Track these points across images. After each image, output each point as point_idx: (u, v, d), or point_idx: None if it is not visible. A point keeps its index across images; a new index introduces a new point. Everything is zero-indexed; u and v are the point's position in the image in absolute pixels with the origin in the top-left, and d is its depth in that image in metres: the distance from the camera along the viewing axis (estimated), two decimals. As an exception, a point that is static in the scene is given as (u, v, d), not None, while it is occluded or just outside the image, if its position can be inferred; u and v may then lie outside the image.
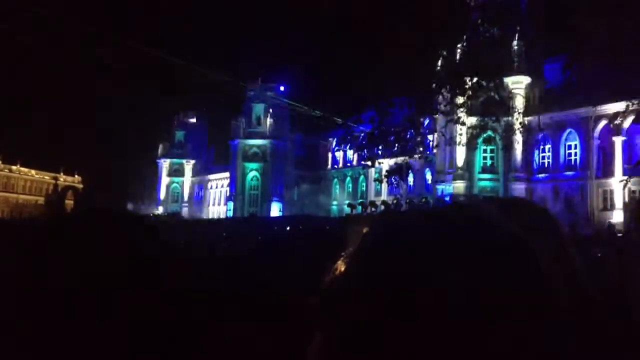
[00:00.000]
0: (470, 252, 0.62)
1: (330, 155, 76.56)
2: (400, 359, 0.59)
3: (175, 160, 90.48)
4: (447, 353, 0.59)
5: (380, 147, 43.90)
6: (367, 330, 0.61)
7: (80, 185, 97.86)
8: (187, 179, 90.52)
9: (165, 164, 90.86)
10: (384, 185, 56.13)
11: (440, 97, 33.63)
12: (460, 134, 39.42)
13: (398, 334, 0.60)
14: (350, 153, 71.69)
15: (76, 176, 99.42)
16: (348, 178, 72.53)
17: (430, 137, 53.75)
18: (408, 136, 39.75)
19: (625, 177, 37.61)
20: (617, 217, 43.08)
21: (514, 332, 0.59)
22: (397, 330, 0.60)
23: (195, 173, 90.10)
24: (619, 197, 44.97)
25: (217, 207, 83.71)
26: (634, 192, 43.39)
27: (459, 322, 0.59)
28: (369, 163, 50.80)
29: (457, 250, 0.62)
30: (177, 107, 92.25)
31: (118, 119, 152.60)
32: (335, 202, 71.34)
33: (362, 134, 49.18)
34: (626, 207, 42.26)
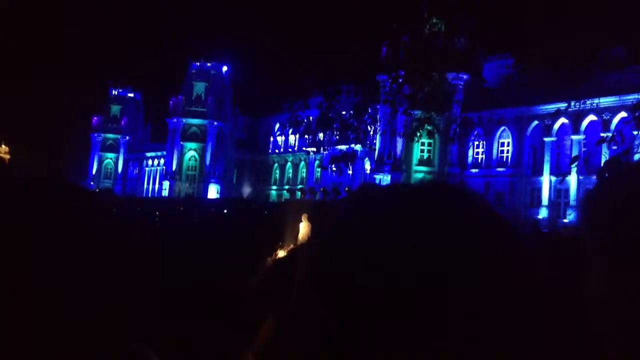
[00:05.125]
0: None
1: (271, 139, 76.16)
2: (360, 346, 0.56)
3: (109, 135, 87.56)
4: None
5: (327, 134, 44.02)
6: (326, 319, 0.57)
7: (7, 156, 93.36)
8: (122, 156, 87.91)
9: (98, 138, 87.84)
10: (325, 172, 56.52)
11: (387, 87, 34.09)
12: (406, 125, 40.15)
13: (359, 323, 0.56)
14: (292, 138, 71.55)
15: (3, 146, 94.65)
16: (289, 163, 72.42)
17: (370, 127, 54.48)
18: (354, 124, 40.18)
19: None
20: (542, 213, 45.15)
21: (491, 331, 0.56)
22: (358, 320, 0.56)
23: (130, 150, 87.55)
24: (546, 195, 47.10)
25: (153, 185, 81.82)
26: (559, 190, 45.60)
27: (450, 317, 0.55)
28: (314, 149, 50.88)
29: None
30: (114, 79, 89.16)
31: (50, 90, 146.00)
32: (274, 187, 71.18)
33: (306, 120, 49.23)
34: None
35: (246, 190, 66.52)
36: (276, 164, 74.00)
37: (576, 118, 44.49)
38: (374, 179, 53.20)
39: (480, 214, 0.61)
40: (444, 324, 0.55)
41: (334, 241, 0.61)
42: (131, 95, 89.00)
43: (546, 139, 47.67)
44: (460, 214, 0.60)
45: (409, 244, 0.57)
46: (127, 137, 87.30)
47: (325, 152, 53.93)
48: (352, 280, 0.57)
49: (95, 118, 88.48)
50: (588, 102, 40.42)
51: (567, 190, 44.51)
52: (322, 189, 37.15)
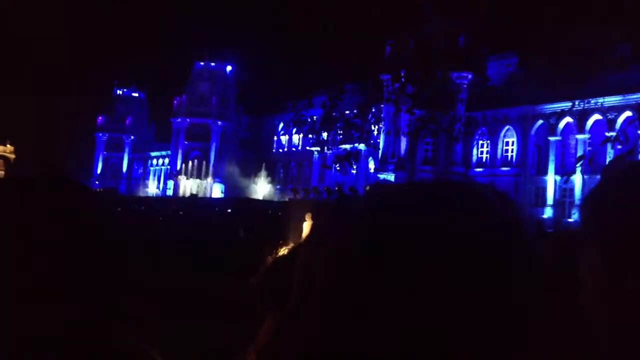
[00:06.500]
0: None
1: (275, 138, 76.17)
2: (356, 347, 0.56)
3: (114, 134, 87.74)
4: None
5: (330, 133, 43.89)
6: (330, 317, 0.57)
7: (12, 156, 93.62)
8: (127, 155, 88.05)
9: (103, 138, 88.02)
10: (329, 172, 56.48)
11: (391, 86, 34.00)
12: (409, 125, 40.05)
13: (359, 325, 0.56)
14: (296, 137, 71.53)
15: (8, 146, 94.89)
16: (292, 162, 72.44)
17: (374, 126, 54.41)
18: (358, 123, 40.10)
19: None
20: (547, 213, 45.02)
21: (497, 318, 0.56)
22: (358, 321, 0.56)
23: (135, 149, 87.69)
24: (551, 194, 46.97)
25: (158, 185, 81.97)
26: (564, 190, 45.45)
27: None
28: (318, 148, 50.70)
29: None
30: (119, 79, 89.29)
31: (55, 89, 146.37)
32: (278, 186, 71.21)
33: (309, 120, 49.10)
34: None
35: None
36: (280, 163, 74.04)
37: (581, 117, 44.34)
38: (378, 178, 53.13)
39: (486, 215, 0.61)
40: (446, 324, 0.55)
41: (337, 245, 0.60)
42: (136, 94, 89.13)
43: (551, 138, 47.51)
44: (464, 215, 0.60)
45: (413, 246, 0.57)
46: (132, 137, 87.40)
47: (329, 152, 53.88)
48: (354, 280, 0.57)
49: (100, 118, 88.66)
50: (592, 101, 40.27)
51: (572, 190, 44.38)
52: (325, 188, 37.01)
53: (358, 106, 38.37)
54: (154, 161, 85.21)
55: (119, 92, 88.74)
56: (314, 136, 52.41)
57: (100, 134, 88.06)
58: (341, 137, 51.37)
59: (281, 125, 73.03)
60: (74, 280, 0.88)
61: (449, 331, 0.55)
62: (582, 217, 0.74)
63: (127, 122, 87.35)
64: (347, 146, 51.33)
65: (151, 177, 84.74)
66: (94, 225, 0.93)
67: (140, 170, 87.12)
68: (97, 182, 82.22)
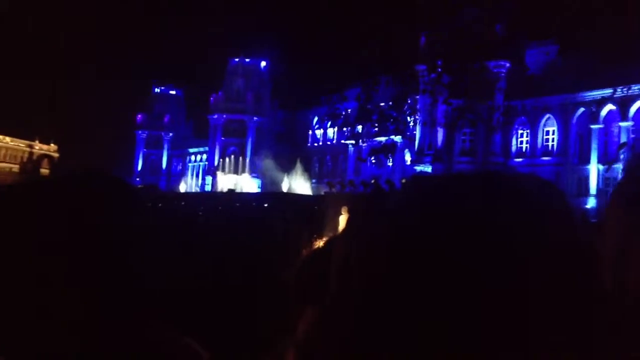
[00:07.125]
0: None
1: (310, 132, 76.37)
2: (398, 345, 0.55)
3: (153, 132, 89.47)
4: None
5: (365, 126, 43.75)
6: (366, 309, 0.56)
7: (56, 154, 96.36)
8: (166, 152, 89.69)
9: (143, 135, 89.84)
10: (364, 165, 56.31)
11: (426, 77, 33.64)
12: (446, 116, 39.62)
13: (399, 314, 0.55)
14: (330, 131, 71.56)
15: (52, 145, 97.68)
16: (328, 156, 72.51)
17: (409, 118, 53.92)
18: (393, 115, 39.95)
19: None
20: (590, 203, 43.89)
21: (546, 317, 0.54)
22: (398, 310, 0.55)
23: (173, 146, 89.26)
24: (594, 184, 45.77)
25: (196, 180, 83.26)
26: (607, 179, 44.22)
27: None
28: (353, 141, 50.64)
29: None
30: (157, 78, 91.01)
31: (96, 89, 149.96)
32: (314, 180, 71.37)
33: (344, 113, 48.97)
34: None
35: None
36: (315, 157, 74.18)
37: (624, 104, 43.01)
38: (415, 170, 52.65)
39: (531, 207, 0.59)
40: (488, 320, 0.53)
41: (378, 240, 0.59)
42: (173, 92, 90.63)
43: (593, 126, 46.24)
44: (508, 207, 0.58)
45: (454, 241, 0.55)
46: (170, 134, 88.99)
47: (364, 144, 53.66)
48: (391, 276, 0.56)
49: (140, 115, 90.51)
50: (635, 87, 39.00)
51: (615, 179, 43.11)
52: (361, 182, 36.94)
53: (393, 98, 38.14)
54: (192, 157, 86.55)
55: (157, 89, 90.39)
56: (349, 129, 52.28)
57: (140, 132, 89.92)
58: (376, 129, 51.10)
59: (316, 119, 73.12)
60: (109, 278, 0.91)
61: (491, 328, 0.53)
62: (611, 204, 0.72)
63: (166, 119, 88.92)
64: (383, 138, 51.07)
65: (190, 173, 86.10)
66: (124, 221, 0.95)
67: (179, 167, 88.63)
68: (138, 179, 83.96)
